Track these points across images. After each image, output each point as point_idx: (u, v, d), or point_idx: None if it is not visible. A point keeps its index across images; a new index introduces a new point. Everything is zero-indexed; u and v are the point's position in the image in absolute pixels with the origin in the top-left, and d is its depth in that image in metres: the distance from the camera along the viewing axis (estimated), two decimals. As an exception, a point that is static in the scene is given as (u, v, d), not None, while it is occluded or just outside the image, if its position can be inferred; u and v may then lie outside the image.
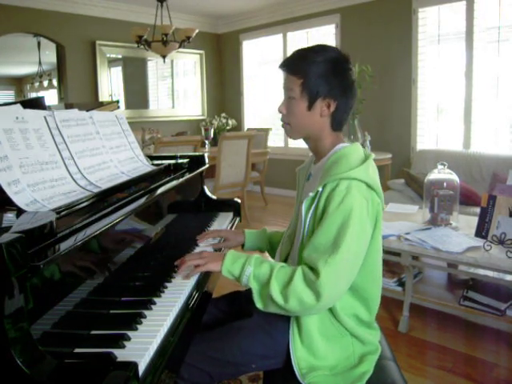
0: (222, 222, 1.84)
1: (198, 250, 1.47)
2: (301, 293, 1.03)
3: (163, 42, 4.49)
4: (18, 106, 1.15)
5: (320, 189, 1.12)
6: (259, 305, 1.11)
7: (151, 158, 1.85)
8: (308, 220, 1.15)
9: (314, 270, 1.05)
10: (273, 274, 1.08)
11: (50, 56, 6.52)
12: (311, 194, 1.15)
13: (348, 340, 1.18)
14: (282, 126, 1.27)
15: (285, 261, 1.30)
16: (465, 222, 2.53)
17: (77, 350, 0.85)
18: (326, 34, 5.48)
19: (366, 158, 1.18)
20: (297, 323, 1.16)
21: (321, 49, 1.19)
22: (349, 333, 1.17)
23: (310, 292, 1.03)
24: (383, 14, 4.84)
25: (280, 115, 1.26)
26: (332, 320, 1.16)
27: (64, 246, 0.86)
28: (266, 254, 1.52)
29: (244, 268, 1.11)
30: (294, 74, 1.18)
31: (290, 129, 1.24)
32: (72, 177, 1.17)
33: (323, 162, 1.22)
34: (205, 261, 1.19)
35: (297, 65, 1.19)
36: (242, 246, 1.53)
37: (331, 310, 1.15)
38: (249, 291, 1.14)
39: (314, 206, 1.14)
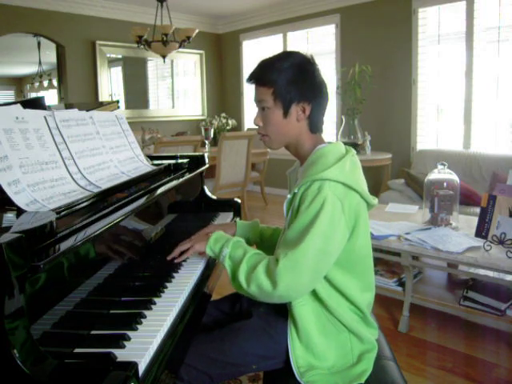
0: (222, 222, 1.84)
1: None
2: (260, 279, 1.08)
3: (163, 42, 4.49)
4: (18, 106, 1.15)
5: (296, 190, 1.15)
6: (232, 284, 1.16)
7: (151, 157, 1.85)
8: (288, 220, 1.18)
9: (277, 260, 1.08)
10: (244, 258, 1.13)
11: (49, 56, 6.52)
12: (289, 196, 1.19)
13: (345, 337, 1.18)
14: (261, 139, 1.28)
15: None
16: (465, 221, 2.53)
17: (77, 350, 0.85)
18: (325, 34, 5.48)
19: (345, 155, 1.17)
20: (293, 322, 1.17)
21: (285, 55, 1.21)
22: (346, 329, 1.18)
23: (267, 280, 1.07)
24: (383, 14, 4.84)
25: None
26: (328, 317, 1.17)
27: (64, 245, 0.86)
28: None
29: (223, 248, 1.18)
30: (264, 85, 1.19)
31: (269, 140, 1.25)
32: (72, 177, 1.17)
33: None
34: (191, 243, 1.28)
35: (265, 75, 1.19)
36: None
37: (326, 307, 1.16)
38: None
39: (291, 207, 1.17)
